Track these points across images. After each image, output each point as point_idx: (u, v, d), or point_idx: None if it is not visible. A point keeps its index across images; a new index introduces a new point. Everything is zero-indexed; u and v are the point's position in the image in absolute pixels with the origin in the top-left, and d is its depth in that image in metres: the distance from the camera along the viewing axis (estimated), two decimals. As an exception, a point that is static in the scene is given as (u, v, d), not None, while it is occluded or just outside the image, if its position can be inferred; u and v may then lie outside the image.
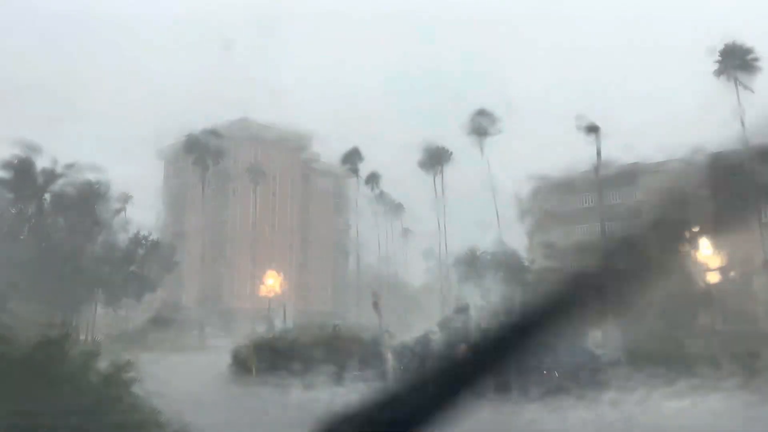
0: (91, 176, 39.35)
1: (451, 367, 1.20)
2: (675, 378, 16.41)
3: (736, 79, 38.46)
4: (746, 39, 38.72)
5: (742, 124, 37.31)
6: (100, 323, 40.36)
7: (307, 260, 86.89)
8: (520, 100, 59.66)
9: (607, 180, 42.80)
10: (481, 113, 51.58)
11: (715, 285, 34.55)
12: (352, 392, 15.70)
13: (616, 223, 41.71)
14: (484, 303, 49.23)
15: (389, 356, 16.48)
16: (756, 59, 38.44)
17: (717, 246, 33.43)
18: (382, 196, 73.12)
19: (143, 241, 40.86)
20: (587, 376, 15.29)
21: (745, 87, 38.33)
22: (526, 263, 50.26)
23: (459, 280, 51.32)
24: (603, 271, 1.42)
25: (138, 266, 39.97)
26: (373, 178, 71.48)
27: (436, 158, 59.72)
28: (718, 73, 38.92)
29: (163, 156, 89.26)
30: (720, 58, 38.91)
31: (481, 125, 52.03)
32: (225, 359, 20.33)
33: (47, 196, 38.45)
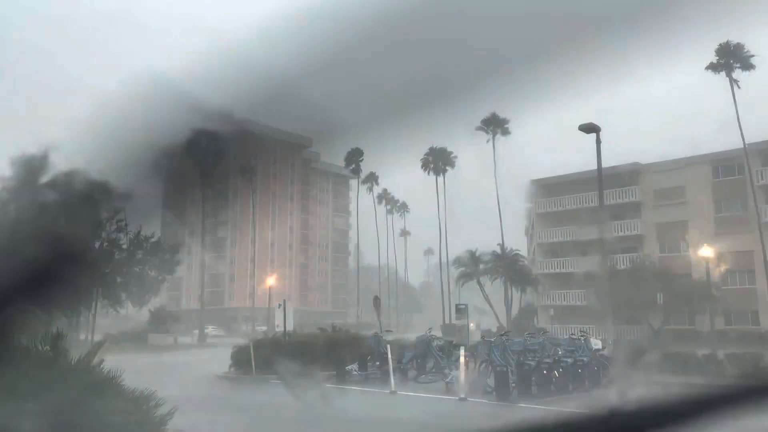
0: (92, 176, 39.37)
1: None
2: (674, 377, 16.43)
3: (731, 77, 38.55)
4: (746, 38, 38.85)
5: (739, 123, 37.39)
6: (100, 323, 40.38)
7: (307, 260, 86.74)
8: (521, 101, 59.70)
9: (607, 180, 42.86)
10: (488, 117, 51.61)
11: (716, 284, 34.59)
12: (351, 391, 15.71)
13: (617, 223, 41.77)
14: (484, 303, 49.28)
15: (389, 355, 16.48)
16: (751, 56, 38.57)
17: (717, 246, 33.45)
18: (382, 196, 73.12)
19: (144, 242, 40.87)
20: (587, 375, 15.29)
21: (735, 82, 38.42)
22: (527, 263, 50.29)
23: (459, 280, 51.34)
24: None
25: (139, 266, 39.96)
26: (373, 178, 71.45)
27: (438, 159, 59.68)
28: (715, 70, 39.02)
29: (163, 156, 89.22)
30: (716, 56, 39.01)
31: (487, 128, 52.04)
32: (225, 359, 20.34)
33: (48, 195, 38.44)
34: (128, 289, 39.58)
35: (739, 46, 38.48)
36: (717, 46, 38.87)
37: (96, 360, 4.14)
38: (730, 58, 38.64)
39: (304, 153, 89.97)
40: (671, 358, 18.36)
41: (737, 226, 37.73)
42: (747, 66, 38.47)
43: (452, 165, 59.92)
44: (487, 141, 52.41)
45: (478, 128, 52.21)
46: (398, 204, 76.32)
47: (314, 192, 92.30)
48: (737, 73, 38.77)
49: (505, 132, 52.23)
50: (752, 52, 38.49)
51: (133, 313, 55.19)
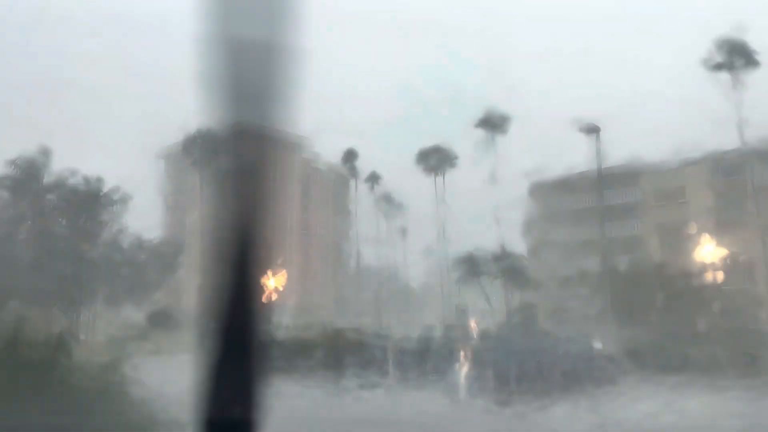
0: (92, 176, 39.47)
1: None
2: (675, 377, 16.42)
3: (732, 76, 38.52)
4: (746, 36, 38.77)
5: (740, 122, 37.39)
6: (101, 324, 40.39)
7: (307, 260, 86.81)
8: (520, 100, 59.68)
9: (607, 180, 42.86)
10: (487, 117, 51.59)
11: (716, 284, 34.57)
12: (351, 391, 15.68)
13: (617, 223, 41.74)
14: (484, 303, 49.26)
15: (389, 355, 16.49)
16: (753, 53, 38.49)
17: (717, 245, 33.49)
18: (382, 196, 73.17)
19: (145, 243, 40.91)
20: (588, 375, 15.29)
21: (738, 82, 38.42)
22: (526, 264, 50.27)
23: (459, 280, 51.22)
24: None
25: (140, 267, 39.99)
26: (372, 178, 71.49)
27: (437, 159, 59.74)
28: (714, 68, 38.98)
29: (163, 156, 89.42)
30: (716, 54, 38.99)
31: (487, 128, 52.04)
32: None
33: (49, 196, 38.45)
34: (128, 289, 39.58)
35: (741, 44, 38.38)
36: (719, 44, 38.76)
37: (100, 361, 4.16)
38: (732, 56, 38.54)
39: (304, 153, 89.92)
40: (671, 358, 18.37)
41: (737, 227, 37.69)
42: (749, 64, 38.36)
43: (452, 165, 59.90)
44: (485, 141, 52.46)
45: (477, 127, 52.21)
46: (398, 204, 76.34)
47: (314, 192, 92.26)
48: (739, 72, 38.70)
49: (504, 132, 52.23)
50: (755, 50, 38.35)
51: (135, 314, 55.15)
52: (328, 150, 73.93)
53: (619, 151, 43.41)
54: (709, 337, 28.81)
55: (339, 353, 18.75)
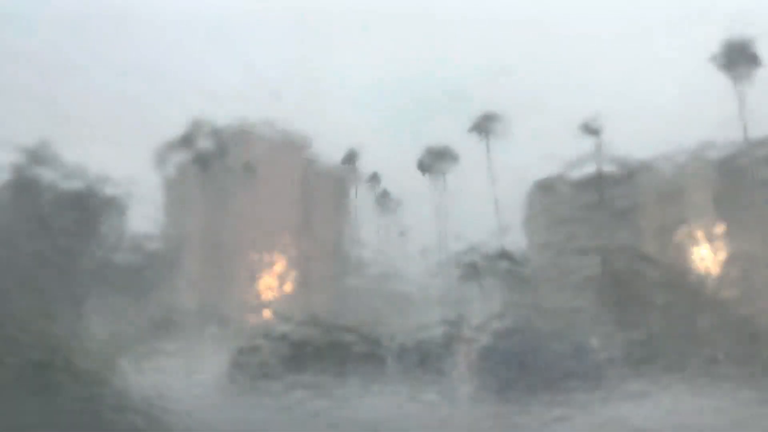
0: (92, 177, 39.44)
1: None
2: (675, 377, 16.41)
3: (736, 74, 38.49)
4: (748, 34, 38.70)
5: (743, 122, 37.36)
6: (100, 325, 40.35)
7: (308, 260, 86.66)
8: (520, 99, 59.61)
9: (607, 180, 42.84)
10: (486, 115, 51.58)
11: (716, 284, 34.51)
12: (352, 393, 15.68)
13: (617, 223, 41.67)
14: (483, 304, 49.25)
15: (389, 357, 16.50)
16: (756, 51, 38.47)
17: (718, 245, 33.50)
18: (382, 196, 73.23)
19: (145, 243, 40.86)
20: (586, 375, 15.29)
21: (741, 81, 38.40)
22: (525, 264, 50.25)
23: (458, 280, 51.22)
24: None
25: (139, 269, 39.94)
26: (373, 178, 71.50)
27: (437, 159, 59.72)
28: (719, 65, 38.93)
29: (162, 156, 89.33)
30: (721, 52, 38.96)
31: (486, 127, 51.99)
32: (225, 360, 20.32)
33: (49, 195, 38.44)
34: (128, 291, 39.55)
35: (743, 42, 38.37)
36: (721, 42, 38.76)
37: (100, 362, 4.17)
38: (735, 55, 38.51)
39: (304, 153, 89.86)
40: (671, 358, 18.35)
41: (738, 226, 37.65)
42: (752, 63, 38.35)
43: (452, 165, 59.88)
44: (486, 140, 52.42)
45: (477, 126, 52.20)
46: (398, 204, 76.58)
47: (314, 192, 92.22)
48: (741, 70, 38.67)
49: (498, 133, 52.25)
50: (758, 48, 38.31)
51: (134, 315, 55.09)
52: (328, 150, 73.69)
53: (619, 151, 43.38)
54: (709, 337, 28.79)
55: (338, 353, 18.76)
